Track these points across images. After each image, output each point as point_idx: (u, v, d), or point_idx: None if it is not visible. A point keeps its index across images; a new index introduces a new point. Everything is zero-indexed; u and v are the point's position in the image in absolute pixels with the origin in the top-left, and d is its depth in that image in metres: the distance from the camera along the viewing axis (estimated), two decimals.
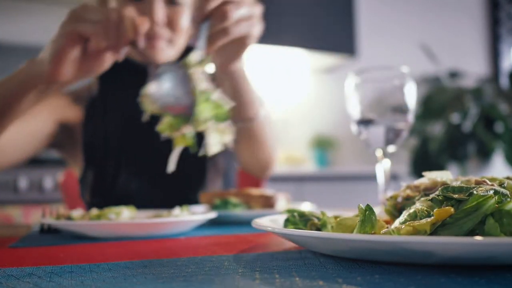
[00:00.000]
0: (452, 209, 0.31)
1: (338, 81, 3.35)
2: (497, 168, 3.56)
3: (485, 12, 3.97)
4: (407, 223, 0.33)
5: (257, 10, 0.70)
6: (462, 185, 0.35)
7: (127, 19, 0.64)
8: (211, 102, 0.58)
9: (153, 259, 0.38)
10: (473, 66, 3.84)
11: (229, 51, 0.75)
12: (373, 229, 0.35)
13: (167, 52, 0.99)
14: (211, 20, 0.65)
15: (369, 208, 0.35)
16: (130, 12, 0.65)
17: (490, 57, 3.95)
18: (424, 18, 3.72)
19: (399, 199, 0.43)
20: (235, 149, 1.03)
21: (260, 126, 0.94)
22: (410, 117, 0.68)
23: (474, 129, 3.16)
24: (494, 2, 3.94)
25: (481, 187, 0.33)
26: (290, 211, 0.48)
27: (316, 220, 0.45)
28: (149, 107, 0.60)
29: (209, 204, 0.79)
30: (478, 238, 0.26)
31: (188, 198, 1.01)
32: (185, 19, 0.99)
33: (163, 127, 0.59)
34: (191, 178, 1.04)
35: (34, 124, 0.95)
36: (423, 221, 0.32)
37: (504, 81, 3.78)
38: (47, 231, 0.65)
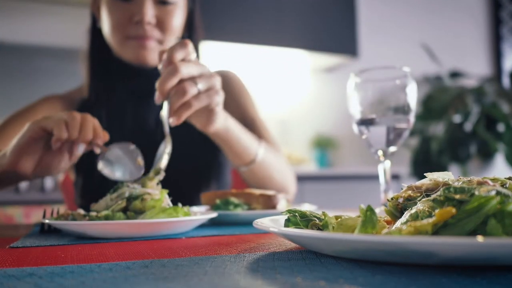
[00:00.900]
0: (454, 210, 0.31)
1: (339, 81, 3.35)
2: (499, 168, 3.56)
3: (487, 12, 3.96)
4: (409, 223, 0.33)
5: (216, 80, 0.75)
6: (464, 185, 0.34)
7: (89, 121, 0.71)
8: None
9: (154, 259, 0.38)
10: (475, 67, 3.84)
11: (200, 117, 0.80)
12: (375, 230, 0.35)
13: (157, 52, 0.99)
14: (172, 97, 0.71)
15: (370, 209, 0.35)
16: (93, 118, 0.72)
17: (492, 58, 3.94)
18: (425, 19, 3.72)
19: (401, 200, 0.43)
20: (248, 185, 1.05)
21: (263, 165, 0.96)
22: (412, 117, 0.68)
23: (475, 129, 3.15)
24: (496, 2, 3.93)
25: (483, 187, 0.33)
26: (291, 212, 0.48)
27: (317, 221, 0.45)
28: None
29: (210, 204, 0.79)
30: (480, 238, 0.26)
31: (175, 203, 1.02)
32: (176, 20, 0.99)
33: None
34: (178, 183, 1.04)
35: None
36: (425, 221, 0.32)
37: (506, 82, 3.77)
38: (48, 231, 0.65)
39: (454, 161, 3.20)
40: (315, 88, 3.35)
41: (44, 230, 0.66)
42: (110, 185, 0.70)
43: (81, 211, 0.62)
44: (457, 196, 0.33)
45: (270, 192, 0.79)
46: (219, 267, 0.34)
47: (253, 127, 1.08)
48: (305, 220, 0.46)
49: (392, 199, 0.44)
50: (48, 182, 2.28)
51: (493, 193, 0.31)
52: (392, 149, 0.69)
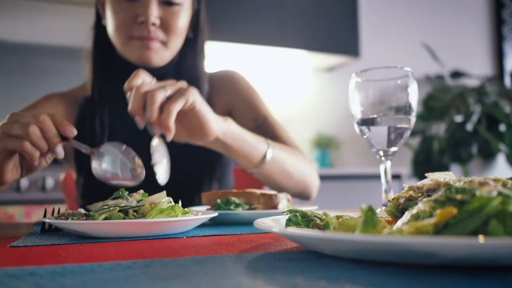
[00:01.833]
0: (455, 210, 0.31)
1: (340, 80, 3.34)
2: (501, 169, 3.55)
3: (489, 12, 3.96)
4: (410, 224, 0.33)
5: (182, 83, 0.75)
6: (465, 186, 0.34)
7: (47, 123, 0.68)
8: None
9: (154, 259, 0.38)
10: (476, 67, 3.83)
11: (193, 130, 0.78)
12: (375, 230, 0.35)
13: (161, 53, 0.98)
14: (147, 110, 0.69)
15: (371, 209, 0.35)
16: (48, 115, 0.69)
17: (494, 58, 3.94)
18: (427, 18, 3.71)
19: (402, 200, 0.43)
20: (267, 186, 1.02)
21: (275, 165, 0.92)
22: (413, 117, 0.68)
23: (477, 129, 3.15)
24: (499, 2, 3.93)
25: (484, 188, 0.33)
26: (292, 211, 0.48)
27: (318, 221, 0.45)
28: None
29: (211, 203, 0.79)
30: (481, 239, 0.26)
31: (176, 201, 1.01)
32: (181, 21, 0.98)
33: None
34: (179, 184, 1.03)
35: None
36: (426, 222, 0.32)
37: (508, 81, 3.76)
38: (49, 231, 0.65)
39: (456, 161, 3.19)
40: (316, 88, 3.35)
41: (45, 229, 0.66)
42: (112, 185, 0.70)
43: (82, 211, 0.62)
44: (459, 197, 0.33)
45: (271, 192, 0.79)
46: (220, 267, 0.34)
47: (266, 126, 1.05)
48: (306, 220, 0.46)
49: (393, 199, 0.44)
50: (49, 182, 2.28)
51: (494, 193, 0.31)
52: (393, 149, 0.69)
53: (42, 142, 0.67)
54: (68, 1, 2.55)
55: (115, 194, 0.64)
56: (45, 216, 0.68)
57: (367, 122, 0.68)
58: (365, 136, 0.70)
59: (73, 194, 1.26)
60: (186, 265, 0.35)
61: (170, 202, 0.62)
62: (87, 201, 1.04)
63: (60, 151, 0.69)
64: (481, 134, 3.15)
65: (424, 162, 3.20)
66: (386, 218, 0.47)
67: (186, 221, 0.58)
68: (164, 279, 0.30)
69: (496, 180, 0.37)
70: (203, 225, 0.72)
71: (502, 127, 3.25)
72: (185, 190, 1.04)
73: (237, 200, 0.77)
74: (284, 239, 0.51)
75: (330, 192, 2.61)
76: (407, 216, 0.35)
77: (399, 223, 0.35)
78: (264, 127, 1.05)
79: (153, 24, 0.95)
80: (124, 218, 0.58)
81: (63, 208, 0.76)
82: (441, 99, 3.18)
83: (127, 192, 0.64)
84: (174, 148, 0.80)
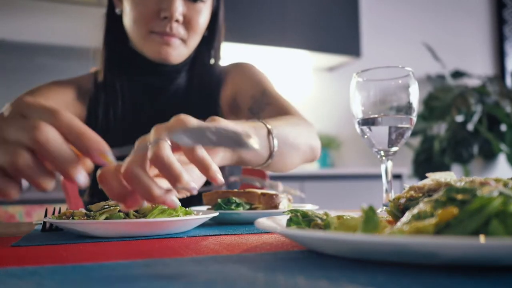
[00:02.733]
0: (456, 210, 0.31)
1: (341, 80, 3.34)
2: (502, 169, 3.55)
3: (491, 12, 3.95)
4: (411, 224, 0.33)
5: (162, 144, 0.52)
6: (466, 186, 0.34)
7: (86, 133, 0.43)
8: None
9: (155, 259, 0.38)
10: (478, 67, 3.83)
11: (196, 173, 0.57)
12: (376, 230, 0.35)
13: (180, 50, 0.97)
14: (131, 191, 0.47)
15: (371, 209, 0.35)
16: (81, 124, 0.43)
17: (495, 58, 3.93)
18: (428, 18, 3.71)
19: (402, 200, 0.43)
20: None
21: (281, 152, 0.78)
22: (414, 117, 0.68)
23: (478, 129, 3.15)
24: (500, 2, 3.92)
25: (485, 188, 0.33)
26: (293, 211, 0.48)
27: (319, 221, 0.45)
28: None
29: (212, 203, 0.79)
30: (482, 239, 0.26)
31: (189, 198, 1.00)
32: (202, 18, 0.97)
33: None
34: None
35: None
36: (427, 222, 0.32)
37: (509, 81, 3.76)
38: (49, 230, 0.66)
39: (457, 161, 3.19)
40: (317, 87, 3.35)
41: (46, 229, 0.66)
42: None
43: (83, 210, 0.62)
44: (459, 197, 0.33)
45: (271, 192, 0.78)
46: (220, 266, 0.34)
47: (266, 98, 0.99)
48: (307, 220, 0.46)
49: (394, 199, 0.44)
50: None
51: (495, 193, 0.31)
52: (394, 149, 0.69)
53: (71, 165, 0.45)
54: (70, 1, 2.55)
55: None
56: (46, 215, 0.68)
57: (368, 122, 0.68)
58: (366, 136, 0.70)
59: (73, 194, 1.26)
60: (187, 265, 0.35)
61: None
62: (97, 197, 1.02)
63: (82, 180, 0.45)
64: (482, 134, 3.14)
65: (425, 162, 3.20)
66: (387, 218, 0.47)
67: (187, 220, 0.58)
68: (165, 279, 0.30)
69: (497, 180, 0.36)
70: (204, 225, 0.72)
71: (503, 127, 3.25)
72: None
73: (237, 200, 0.77)
74: (285, 239, 0.51)
75: (331, 192, 2.61)
76: (407, 216, 0.35)
77: (400, 223, 0.35)
78: (264, 99, 0.99)
79: (176, 21, 0.93)
80: (125, 218, 0.58)
81: (63, 208, 0.76)
82: (442, 99, 3.17)
83: None
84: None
